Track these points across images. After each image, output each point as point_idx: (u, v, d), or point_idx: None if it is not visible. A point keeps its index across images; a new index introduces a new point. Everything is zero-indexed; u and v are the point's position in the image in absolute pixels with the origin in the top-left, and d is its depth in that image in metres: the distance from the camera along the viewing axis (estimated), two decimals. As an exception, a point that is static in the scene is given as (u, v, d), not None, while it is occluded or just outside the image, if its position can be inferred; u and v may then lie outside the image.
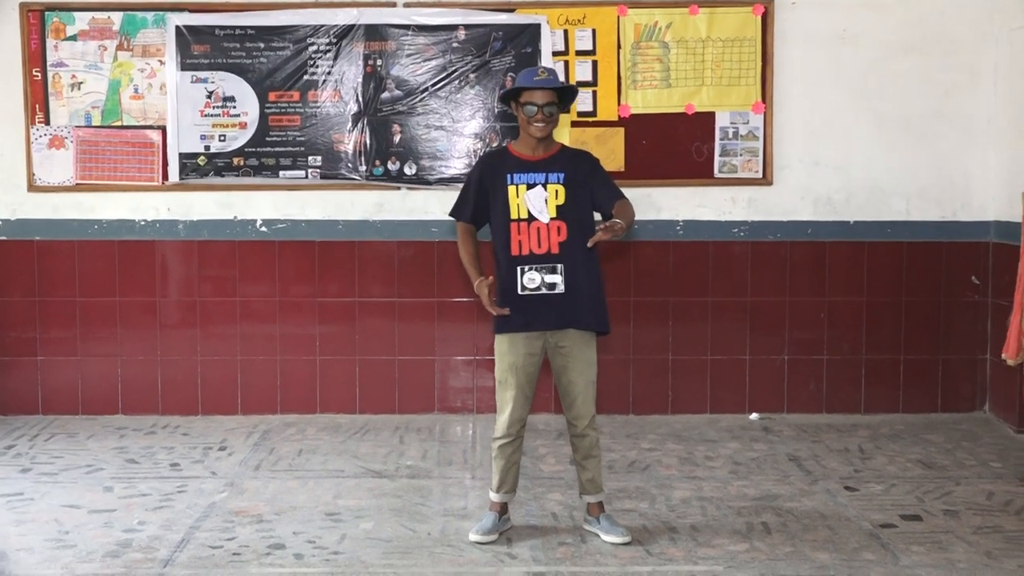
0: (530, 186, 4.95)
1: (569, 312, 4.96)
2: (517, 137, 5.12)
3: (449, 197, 7.05)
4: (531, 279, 4.93)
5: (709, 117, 7.22)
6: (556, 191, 4.96)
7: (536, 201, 4.94)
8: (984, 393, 7.37)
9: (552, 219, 4.94)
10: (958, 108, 7.27)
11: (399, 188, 7.20)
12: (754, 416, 7.32)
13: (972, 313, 7.34)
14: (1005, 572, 4.74)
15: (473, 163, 7.04)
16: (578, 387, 5.04)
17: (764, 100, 7.20)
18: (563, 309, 4.95)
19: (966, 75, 7.25)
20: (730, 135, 7.22)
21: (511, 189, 4.96)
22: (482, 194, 5.05)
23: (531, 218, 4.94)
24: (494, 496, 5.17)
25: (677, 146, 7.23)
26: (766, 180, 7.24)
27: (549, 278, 4.93)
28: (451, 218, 5.24)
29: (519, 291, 4.94)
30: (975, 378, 7.37)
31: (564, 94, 5.01)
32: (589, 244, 4.80)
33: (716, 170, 7.24)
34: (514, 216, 4.95)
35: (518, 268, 4.94)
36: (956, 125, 7.27)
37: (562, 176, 4.97)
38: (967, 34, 7.23)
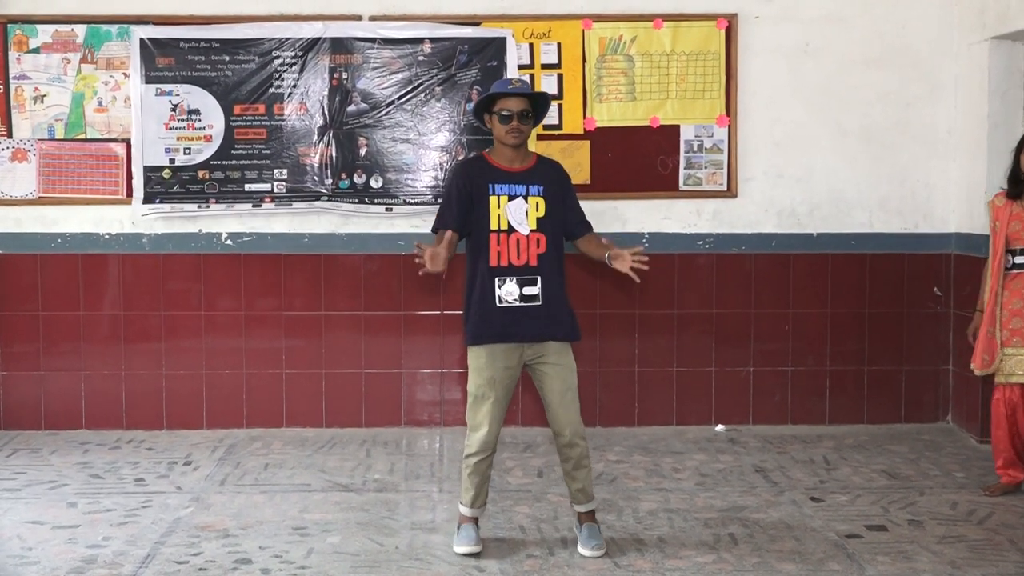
0: (511, 197, 4.97)
1: (547, 324, 4.97)
2: (486, 149, 5.14)
3: (415, 212, 7.13)
4: (509, 291, 4.94)
5: (674, 130, 7.26)
6: (537, 203, 4.98)
7: (517, 213, 4.96)
8: (947, 403, 7.43)
9: (532, 231, 4.96)
10: (919, 121, 7.34)
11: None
12: (720, 428, 7.35)
13: (934, 324, 7.41)
14: (969, 581, 4.80)
15: (442, 175, 7.08)
16: (565, 397, 5.02)
17: (728, 113, 7.25)
18: (541, 321, 4.96)
19: (927, 88, 7.33)
20: (695, 148, 7.26)
21: (493, 200, 4.96)
22: (467, 201, 4.97)
23: (511, 229, 4.95)
24: (467, 511, 5.13)
25: (642, 159, 7.26)
26: (730, 192, 7.29)
27: (528, 290, 4.94)
28: (431, 232, 5.07)
29: (497, 303, 4.94)
30: (938, 389, 7.44)
31: (537, 106, 5.04)
32: (630, 272, 4.85)
33: (681, 183, 7.28)
34: (494, 227, 4.95)
35: (496, 279, 4.94)
36: (917, 137, 7.35)
37: (542, 189, 5.00)
38: (928, 48, 7.31)
